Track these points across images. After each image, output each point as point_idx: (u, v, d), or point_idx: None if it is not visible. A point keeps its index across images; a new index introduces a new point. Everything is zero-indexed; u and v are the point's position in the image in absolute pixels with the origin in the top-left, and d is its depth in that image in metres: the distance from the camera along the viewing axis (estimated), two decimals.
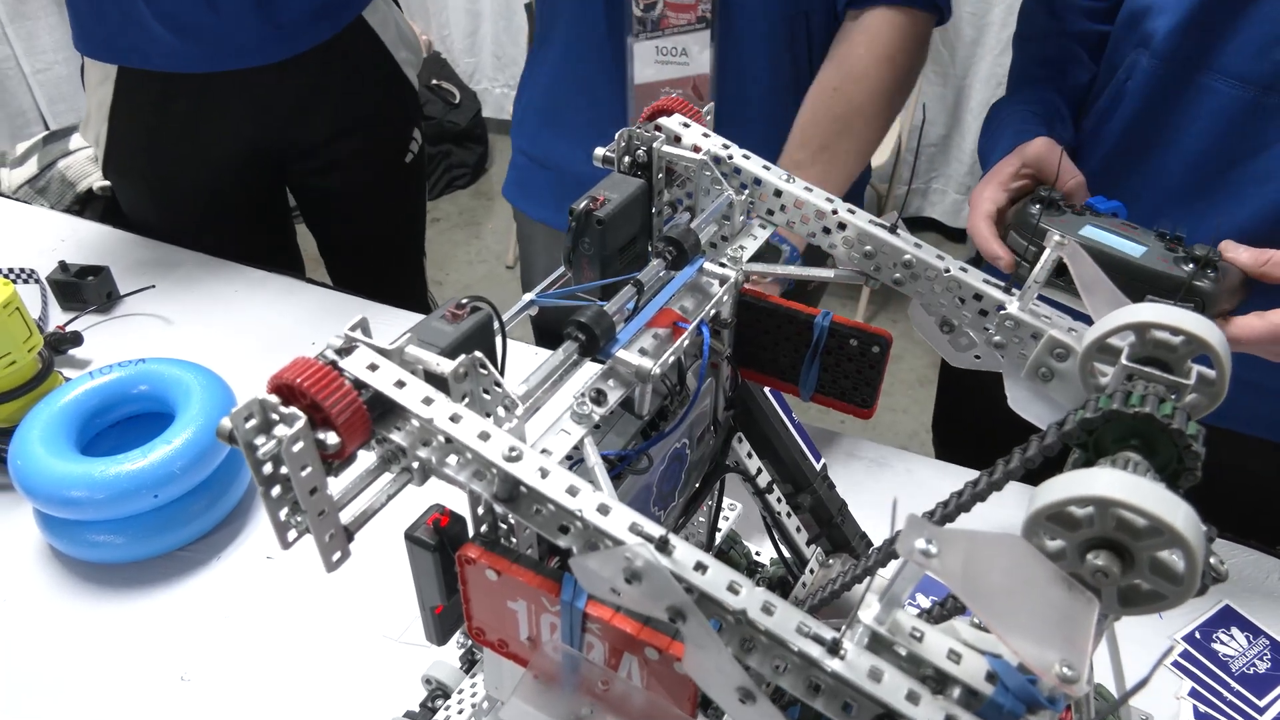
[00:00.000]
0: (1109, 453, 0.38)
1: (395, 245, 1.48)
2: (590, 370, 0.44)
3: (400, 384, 0.37)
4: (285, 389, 0.35)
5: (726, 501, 0.71)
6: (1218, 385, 0.41)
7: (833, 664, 0.31)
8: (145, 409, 0.88)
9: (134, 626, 0.77)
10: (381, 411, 0.37)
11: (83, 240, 1.26)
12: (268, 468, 0.34)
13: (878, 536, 0.64)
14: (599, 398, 0.43)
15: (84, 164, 1.70)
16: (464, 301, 0.41)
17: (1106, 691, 0.60)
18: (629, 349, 0.43)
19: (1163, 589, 0.33)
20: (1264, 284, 0.71)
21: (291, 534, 0.37)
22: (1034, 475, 0.39)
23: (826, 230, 0.53)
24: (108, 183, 1.56)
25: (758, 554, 0.76)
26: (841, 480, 0.65)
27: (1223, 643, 0.76)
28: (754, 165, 0.54)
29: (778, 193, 0.54)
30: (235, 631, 0.77)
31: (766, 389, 0.60)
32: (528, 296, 0.48)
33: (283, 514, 0.36)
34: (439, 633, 0.45)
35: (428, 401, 0.37)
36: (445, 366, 0.38)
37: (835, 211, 0.52)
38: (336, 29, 1.20)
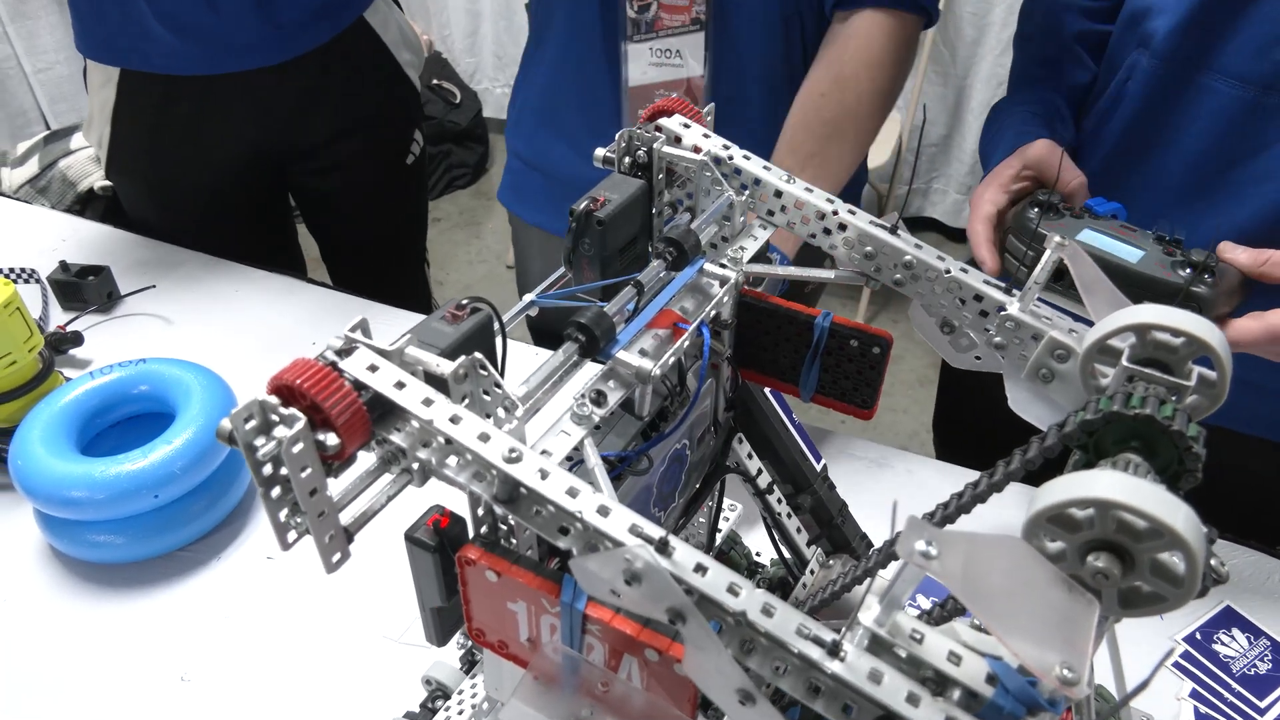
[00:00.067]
0: (1109, 454, 0.38)
1: (396, 246, 1.48)
2: (590, 371, 0.44)
3: (400, 385, 0.37)
4: (285, 390, 0.35)
5: (727, 502, 0.71)
6: (1218, 387, 0.41)
7: (832, 666, 0.31)
8: (146, 409, 0.88)
9: (134, 627, 0.77)
10: (381, 412, 0.37)
11: (83, 240, 1.27)
12: (267, 469, 0.34)
13: (878, 537, 0.64)
14: (599, 399, 0.43)
15: (85, 164, 1.70)
16: (464, 302, 0.41)
17: (1107, 693, 0.60)
18: (629, 350, 0.43)
19: (1163, 591, 0.33)
20: (1263, 284, 0.71)
21: (291, 535, 0.37)
22: (1035, 476, 0.39)
23: (827, 231, 0.53)
24: (108, 182, 1.56)
25: (758, 554, 0.76)
26: (842, 481, 0.65)
27: (1224, 644, 0.75)
28: (754, 166, 0.54)
29: (778, 193, 0.54)
30: (235, 632, 0.77)
31: (767, 390, 0.60)
32: (528, 297, 0.48)
33: (282, 515, 0.36)
34: (439, 634, 0.45)
35: (427, 403, 0.37)
36: (445, 368, 0.37)
37: (836, 212, 0.52)
38: (337, 30, 1.20)
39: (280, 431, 0.34)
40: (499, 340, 0.42)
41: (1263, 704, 0.71)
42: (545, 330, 1.19)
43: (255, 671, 0.74)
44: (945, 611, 0.44)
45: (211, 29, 1.12)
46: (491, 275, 2.86)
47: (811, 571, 0.64)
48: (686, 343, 0.45)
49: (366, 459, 0.38)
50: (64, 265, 1.13)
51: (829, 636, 0.32)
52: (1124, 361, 0.41)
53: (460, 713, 0.60)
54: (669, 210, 0.55)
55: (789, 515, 0.64)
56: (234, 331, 1.10)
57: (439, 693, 0.63)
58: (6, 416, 0.88)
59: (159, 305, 1.14)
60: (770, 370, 0.57)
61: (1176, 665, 0.74)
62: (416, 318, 0.92)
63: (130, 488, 0.77)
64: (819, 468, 0.63)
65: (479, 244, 3.00)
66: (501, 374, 0.41)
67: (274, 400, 0.34)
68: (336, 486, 0.37)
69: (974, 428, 1.12)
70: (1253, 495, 0.93)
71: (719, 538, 0.70)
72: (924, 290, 0.51)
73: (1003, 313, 0.48)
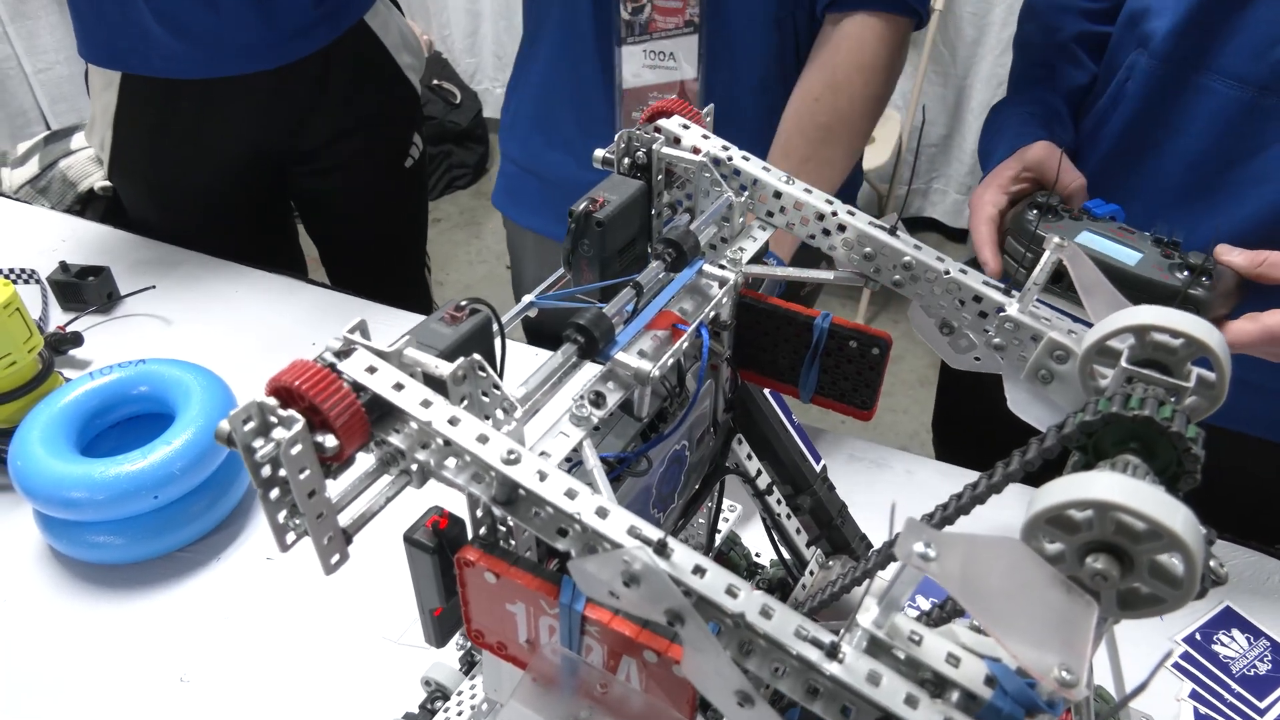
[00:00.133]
0: (1108, 455, 0.38)
1: (396, 248, 1.48)
2: (589, 372, 0.44)
3: (399, 386, 0.37)
4: (283, 391, 0.35)
5: (726, 503, 0.71)
6: (1217, 388, 0.41)
7: (831, 668, 0.31)
8: (145, 410, 0.88)
9: (133, 627, 0.77)
10: (380, 414, 0.37)
11: (83, 240, 1.27)
12: (266, 470, 0.34)
13: (878, 538, 0.64)
14: (598, 400, 0.43)
15: (85, 164, 1.69)
16: (463, 303, 0.41)
17: (1106, 694, 0.60)
18: (628, 351, 0.43)
19: (1162, 592, 0.33)
20: (1259, 286, 0.71)
21: (290, 536, 0.37)
22: (1034, 477, 0.39)
23: (826, 232, 0.53)
24: (109, 183, 1.56)
25: (757, 555, 0.76)
26: (841, 481, 0.65)
27: (1223, 644, 0.75)
28: (753, 167, 0.54)
29: (777, 194, 0.54)
30: (235, 633, 0.77)
31: (766, 390, 0.60)
32: (528, 298, 0.48)
33: (281, 516, 0.36)
34: (438, 635, 0.45)
35: (426, 404, 0.37)
36: (444, 369, 0.37)
37: (835, 213, 0.52)
38: (337, 33, 1.20)
39: (279, 433, 0.34)
40: (498, 341, 0.42)
41: (1262, 704, 0.71)
42: (541, 331, 1.19)
43: (254, 672, 0.74)
44: (944, 613, 0.44)
45: (212, 32, 1.12)
46: (491, 275, 2.86)
47: (811, 572, 0.64)
48: (685, 344, 0.45)
49: (365, 460, 0.38)
50: (64, 266, 1.13)
51: (827, 638, 0.32)
52: (1123, 363, 0.41)
53: (459, 714, 0.60)
54: (668, 211, 0.55)
55: (788, 516, 0.64)
56: (234, 332, 1.10)
57: (438, 694, 0.63)
58: (6, 417, 0.88)
59: (159, 306, 1.14)
60: (769, 371, 0.57)
61: (1176, 666, 0.74)
62: (416, 318, 0.92)
63: (130, 488, 0.77)
64: (818, 468, 0.63)
65: (479, 244, 3.00)
66: (500, 375, 0.41)
67: (272, 402, 0.34)
68: (335, 488, 0.37)
69: (973, 428, 1.12)
70: (1252, 496, 0.93)
71: (718, 538, 0.70)
72: (923, 291, 0.51)
73: (1002, 314, 0.48)
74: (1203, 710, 0.71)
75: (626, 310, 0.46)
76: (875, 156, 2.60)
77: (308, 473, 0.35)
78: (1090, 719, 0.42)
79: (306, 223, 1.45)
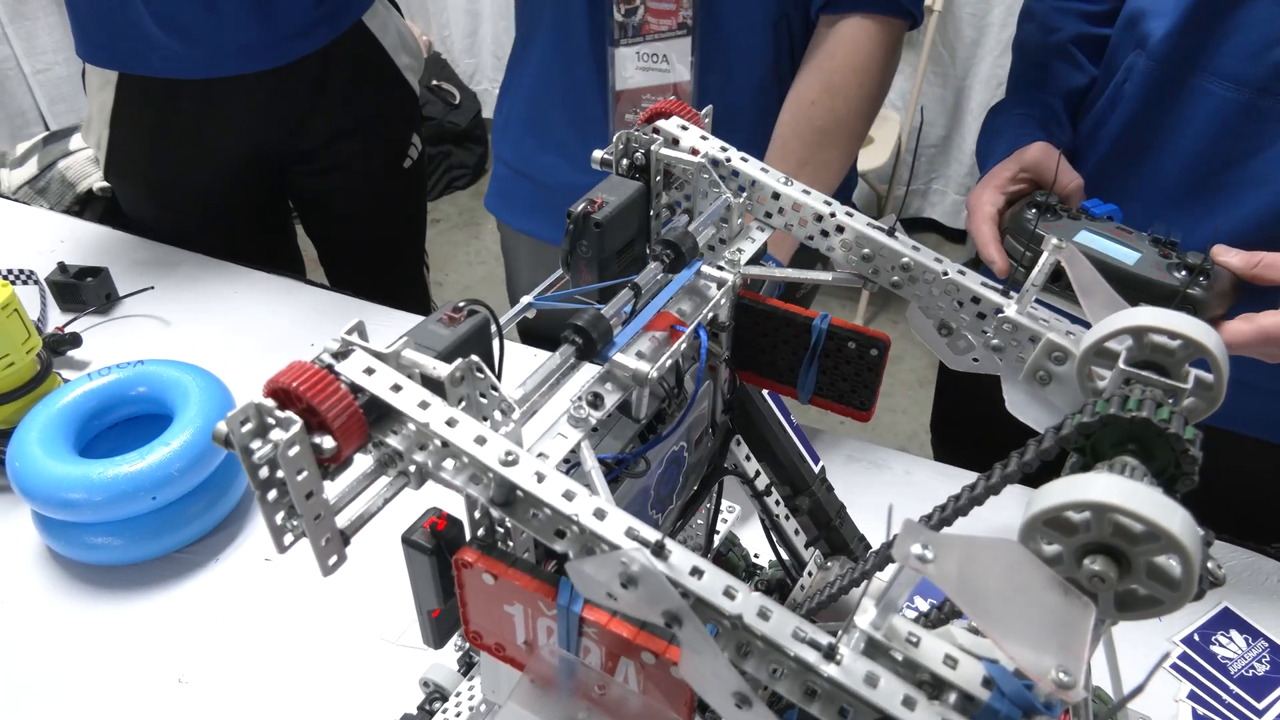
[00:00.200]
0: (1106, 457, 0.38)
1: (395, 248, 1.48)
2: (587, 373, 0.44)
3: (396, 388, 0.37)
4: (281, 393, 0.35)
5: (725, 504, 0.71)
6: (1215, 389, 0.41)
7: (829, 669, 0.31)
8: (144, 411, 0.88)
9: (131, 628, 0.77)
10: (378, 415, 0.37)
11: (82, 241, 1.26)
12: (264, 472, 0.34)
13: (876, 539, 0.64)
14: (596, 401, 0.43)
15: (84, 165, 1.69)
16: (461, 305, 0.41)
17: (1105, 694, 0.60)
18: (626, 352, 0.43)
19: (1160, 594, 0.33)
20: (1255, 287, 0.71)
21: (288, 538, 0.37)
22: (1032, 478, 0.39)
23: (825, 233, 0.53)
24: (107, 184, 1.56)
25: (756, 556, 0.76)
26: (840, 482, 0.65)
27: (1222, 645, 0.75)
28: (752, 168, 0.54)
29: (776, 195, 0.54)
30: (233, 634, 0.77)
31: (765, 391, 0.60)
32: (526, 299, 0.48)
33: (279, 518, 0.36)
34: (436, 636, 0.45)
35: (424, 405, 0.37)
36: (442, 370, 0.37)
37: (834, 214, 0.52)
38: (336, 33, 1.20)
39: (276, 434, 0.34)
40: (496, 343, 0.42)
41: (1261, 705, 0.71)
42: (535, 332, 1.18)
43: (253, 673, 0.74)
44: (942, 614, 0.44)
45: (210, 32, 1.12)
46: (490, 276, 2.86)
47: (809, 573, 0.64)
48: (684, 345, 0.45)
49: (363, 461, 0.38)
50: (62, 266, 1.13)
51: (825, 640, 0.32)
52: (1121, 364, 0.41)
53: (458, 715, 0.60)
54: (667, 212, 0.55)
55: (787, 517, 0.64)
56: (232, 332, 1.10)
57: (436, 695, 0.63)
58: (4, 418, 0.88)
59: (157, 306, 1.14)
60: (768, 372, 0.57)
61: (1174, 667, 0.74)
62: (415, 319, 0.92)
63: (128, 489, 0.77)
64: (817, 469, 0.63)
65: (478, 244, 3.00)
66: (499, 376, 0.41)
67: (270, 403, 0.34)
68: (333, 489, 0.37)
69: (972, 429, 1.12)
70: (1250, 496, 0.93)
71: (717, 539, 0.70)
72: (922, 292, 0.51)
73: (1000, 315, 0.48)
74: (1201, 711, 0.71)
75: (625, 311, 0.46)
76: (874, 157, 2.60)
77: (305, 474, 0.35)
78: None
79: (305, 223, 1.45)
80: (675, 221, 0.56)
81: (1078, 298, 0.46)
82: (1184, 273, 0.71)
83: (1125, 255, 0.72)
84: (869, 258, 0.51)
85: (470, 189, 3.27)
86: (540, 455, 0.41)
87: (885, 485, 0.91)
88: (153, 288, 1.15)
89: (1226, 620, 0.77)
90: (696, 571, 0.33)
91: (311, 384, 0.35)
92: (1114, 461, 0.37)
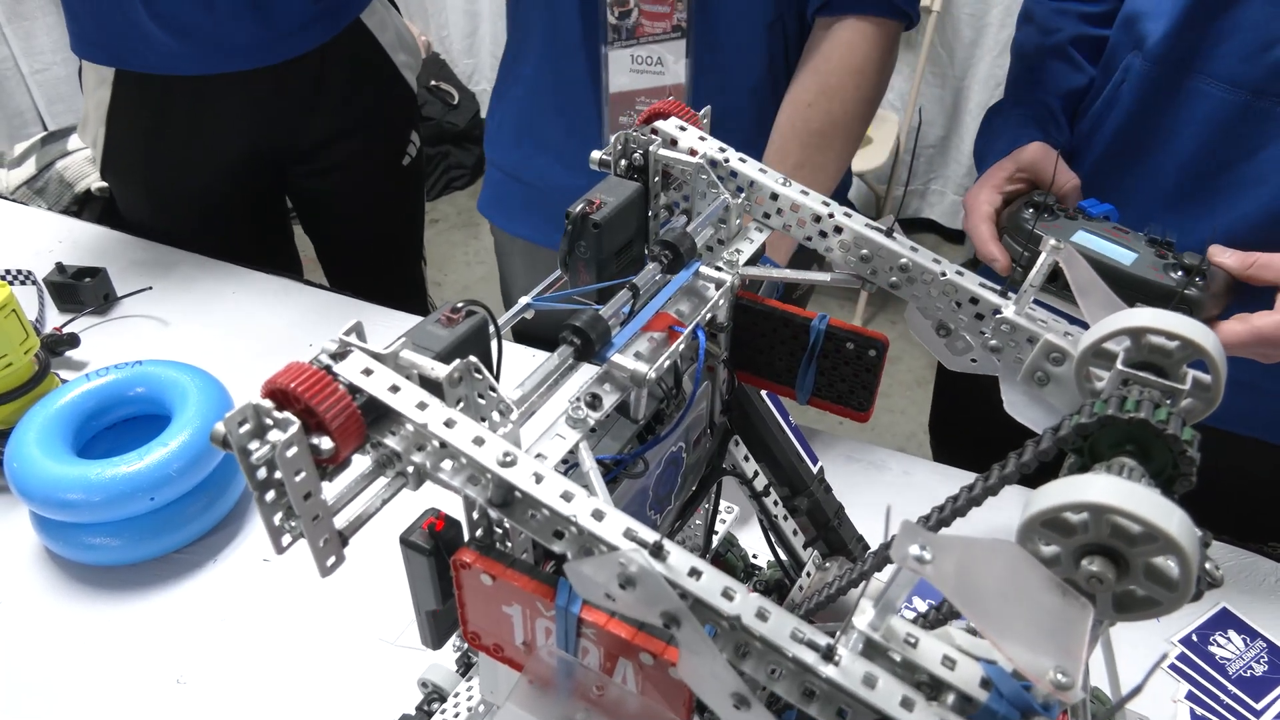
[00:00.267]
0: (1104, 458, 0.38)
1: (393, 247, 1.48)
2: (586, 374, 0.44)
3: (395, 389, 0.37)
4: (279, 394, 0.35)
5: (724, 504, 0.71)
6: (1213, 390, 0.41)
7: (827, 670, 0.31)
8: (142, 411, 0.88)
9: (130, 629, 0.77)
10: (376, 416, 0.37)
11: (80, 241, 1.26)
12: (262, 473, 0.34)
13: (875, 539, 0.64)
14: (594, 402, 0.43)
15: (82, 165, 1.69)
16: (459, 305, 0.41)
17: (1103, 695, 0.60)
18: (624, 353, 0.43)
19: (1158, 595, 0.33)
20: (1250, 287, 0.71)
21: (286, 539, 0.36)
22: (1031, 478, 0.39)
23: (823, 234, 0.53)
24: (105, 184, 1.56)
25: (755, 557, 0.76)
26: (838, 483, 0.65)
27: (1220, 645, 0.76)
28: (750, 168, 0.54)
29: (774, 196, 0.54)
30: (231, 634, 0.76)
31: (763, 392, 0.60)
32: (525, 300, 0.48)
33: (277, 519, 0.36)
34: (434, 637, 0.45)
35: (422, 406, 0.36)
36: (440, 371, 0.37)
37: (832, 215, 0.52)
38: (334, 31, 1.20)
39: (274, 435, 0.34)
40: (494, 343, 0.42)
41: (1259, 705, 0.71)
42: (531, 334, 1.18)
43: (251, 674, 0.74)
44: (940, 615, 0.44)
45: (207, 30, 1.12)
46: (489, 276, 2.85)
47: (808, 574, 0.64)
48: (682, 346, 0.45)
49: (361, 462, 0.38)
50: (60, 267, 1.13)
51: (823, 641, 0.32)
52: (1119, 365, 0.42)
53: (456, 715, 0.60)
54: (665, 213, 0.55)
55: (785, 517, 0.64)
56: (230, 333, 1.10)
57: (435, 695, 0.63)
58: (2, 419, 0.88)
59: (155, 307, 1.14)
60: (766, 373, 0.57)
61: (1173, 667, 0.74)
62: (413, 319, 0.92)
63: (126, 490, 0.76)
64: (815, 470, 0.63)
65: (477, 245, 3.00)
66: (497, 377, 0.41)
67: (268, 404, 0.34)
68: (331, 490, 0.37)
69: (970, 430, 1.12)
70: (1249, 497, 0.93)
71: (715, 540, 0.70)
72: (920, 293, 0.51)
73: (998, 316, 0.48)
74: (1199, 711, 0.71)
75: (623, 312, 0.46)
76: (872, 158, 2.60)
77: (303, 475, 0.35)
78: None
79: (304, 222, 1.45)
80: (674, 222, 0.56)
81: (1075, 298, 0.46)
82: (1180, 273, 0.71)
83: (1122, 255, 0.72)
84: (867, 258, 0.51)
85: (469, 189, 3.27)
86: (538, 456, 0.41)
87: (883, 486, 0.91)
88: (151, 288, 1.15)
89: (1225, 621, 0.77)
90: (695, 572, 0.33)
91: (309, 385, 0.35)
92: (1112, 462, 0.37)
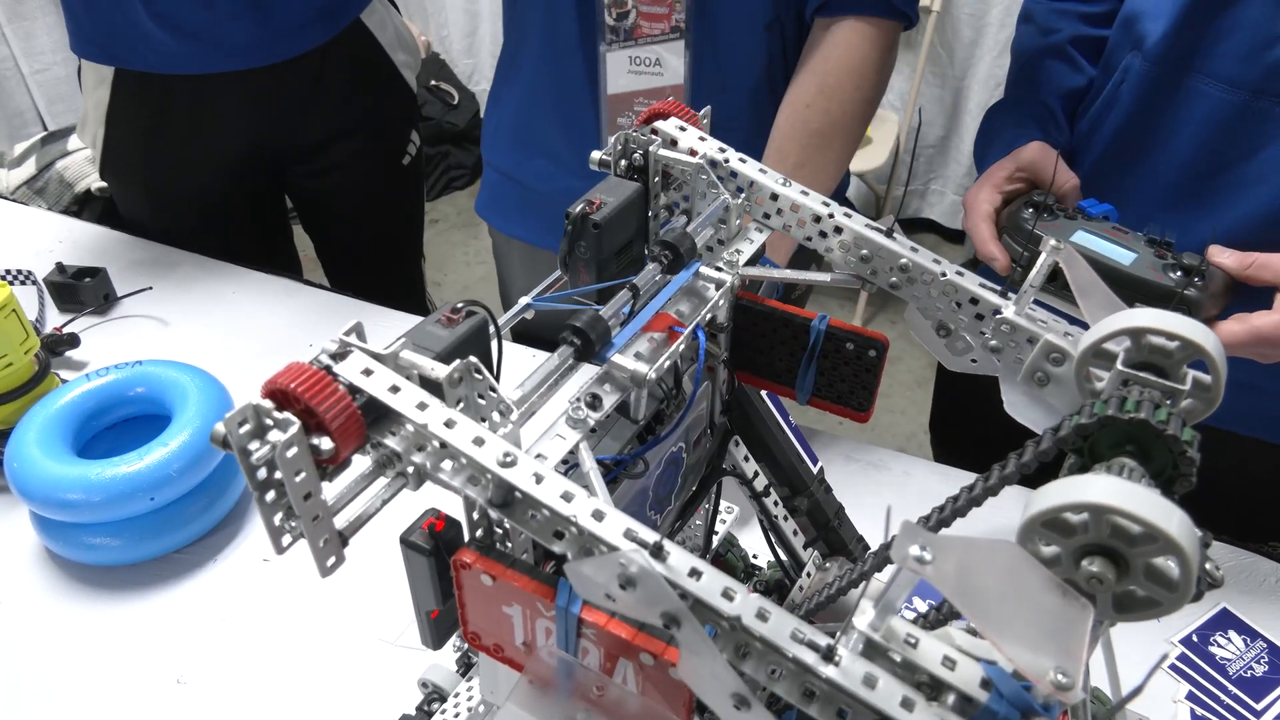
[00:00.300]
0: (1104, 458, 0.38)
1: (393, 247, 1.48)
2: (586, 374, 0.44)
3: (395, 389, 0.37)
4: (279, 394, 0.35)
5: (724, 504, 0.71)
6: (1213, 390, 0.41)
7: (827, 670, 0.31)
8: (142, 411, 0.88)
9: (130, 629, 0.77)
10: (376, 416, 0.37)
11: (80, 241, 1.26)
12: (262, 473, 0.34)
13: (875, 540, 0.64)
14: (594, 402, 0.43)
15: (82, 165, 1.69)
16: (459, 305, 0.41)
17: (1103, 695, 0.60)
18: (624, 353, 0.43)
19: (1158, 595, 0.33)
20: (1249, 287, 0.72)
21: (286, 539, 0.36)
22: (1031, 478, 0.39)
23: (823, 234, 0.53)
24: (105, 184, 1.56)
25: (755, 557, 0.76)
26: (838, 483, 0.65)
27: (1220, 646, 0.76)
28: (750, 169, 0.54)
29: (774, 196, 0.54)
30: (231, 634, 0.76)
31: (763, 392, 0.60)
32: (525, 300, 0.48)
33: (277, 519, 0.36)
34: (434, 637, 0.45)
35: (422, 407, 0.36)
36: (440, 371, 0.37)
37: (832, 215, 0.52)
38: (333, 31, 1.20)
39: (274, 436, 0.34)
40: (494, 344, 0.42)
41: (1259, 706, 0.71)
42: (533, 334, 1.18)
43: (251, 674, 0.74)
44: (940, 615, 0.44)
45: (207, 29, 1.12)
46: (489, 276, 2.85)
47: (808, 574, 0.64)
48: (682, 346, 0.45)
49: (361, 462, 0.38)
50: (60, 267, 1.13)
51: (824, 641, 0.32)
52: (1119, 365, 0.42)
53: (456, 716, 0.60)
54: (665, 213, 0.55)
55: (785, 518, 0.64)
56: (230, 333, 1.10)
57: (435, 695, 0.63)
58: (2, 419, 0.88)
59: (155, 307, 1.14)
60: (766, 373, 0.57)
61: (1173, 667, 0.74)
62: (413, 319, 0.92)
63: (126, 490, 0.76)
64: (815, 470, 0.63)
65: (476, 245, 3.00)
66: (497, 377, 0.41)
67: (268, 404, 0.34)
68: (331, 490, 0.37)
69: (970, 430, 1.12)
70: (1249, 497, 0.93)
71: (716, 540, 0.70)
72: (920, 293, 0.51)
73: (998, 316, 0.48)
74: (1199, 712, 0.71)
75: (623, 312, 0.46)
76: (872, 158, 2.60)
77: (303, 475, 0.35)
78: None
79: (304, 221, 1.45)
80: (674, 222, 0.56)
81: (1075, 298, 0.46)
82: (1179, 273, 0.71)
83: (1121, 255, 0.72)
84: (867, 258, 0.51)
85: (468, 189, 3.27)
86: (538, 456, 0.41)
87: (884, 486, 0.91)
88: (151, 288, 1.15)
89: (1225, 621, 0.77)
90: (695, 573, 0.33)
91: (309, 385, 0.35)
92: (1112, 463, 0.37)
